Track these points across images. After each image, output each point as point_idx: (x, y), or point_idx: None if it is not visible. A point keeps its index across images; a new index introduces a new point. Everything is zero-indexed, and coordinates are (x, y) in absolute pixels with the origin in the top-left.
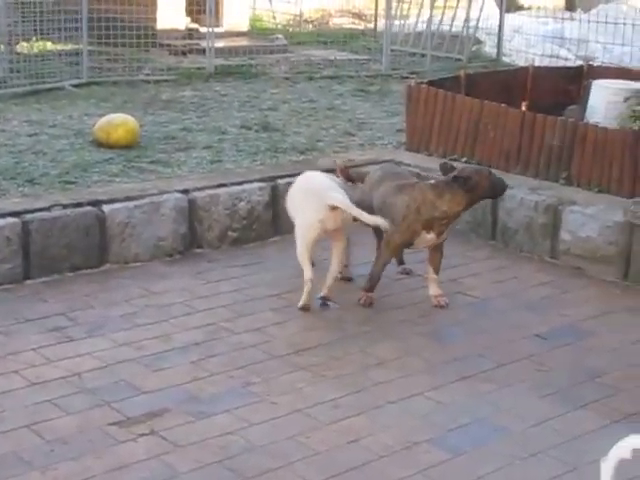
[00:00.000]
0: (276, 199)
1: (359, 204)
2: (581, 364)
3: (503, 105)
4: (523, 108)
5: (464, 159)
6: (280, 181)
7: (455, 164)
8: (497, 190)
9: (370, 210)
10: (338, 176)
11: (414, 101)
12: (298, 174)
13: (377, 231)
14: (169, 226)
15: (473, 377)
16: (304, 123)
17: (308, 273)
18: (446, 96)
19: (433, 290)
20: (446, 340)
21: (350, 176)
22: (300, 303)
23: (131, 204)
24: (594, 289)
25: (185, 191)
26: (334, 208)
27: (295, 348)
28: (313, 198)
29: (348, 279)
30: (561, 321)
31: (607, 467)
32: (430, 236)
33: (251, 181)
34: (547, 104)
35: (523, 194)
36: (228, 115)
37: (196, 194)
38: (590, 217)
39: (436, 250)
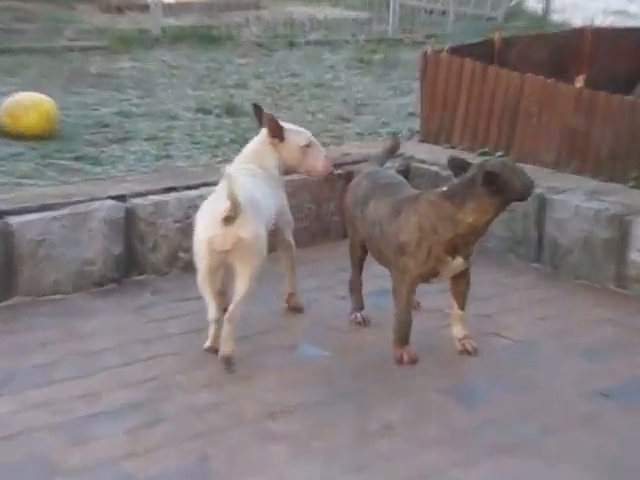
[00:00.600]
0: None
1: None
2: None
3: (551, 80)
4: (579, 84)
5: (499, 153)
6: None
7: (470, 157)
8: (525, 190)
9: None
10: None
11: (431, 75)
12: None
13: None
14: (99, 245)
15: (511, 450)
16: (283, 105)
17: (211, 311)
18: (475, 68)
19: (457, 331)
20: (474, 399)
21: None
22: (206, 344)
23: (48, 215)
24: None
25: (121, 197)
26: (227, 220)
27: (269, 410)
28: (202, 210)
29: (298, 309)
30: (631, 373)
31: None
32: (457, 261)
33: (211, 184)
34: (611, 78)
35: (578, 200)
36: (180, 94)
37: (136, 202)
38: None
39: (460, 278)
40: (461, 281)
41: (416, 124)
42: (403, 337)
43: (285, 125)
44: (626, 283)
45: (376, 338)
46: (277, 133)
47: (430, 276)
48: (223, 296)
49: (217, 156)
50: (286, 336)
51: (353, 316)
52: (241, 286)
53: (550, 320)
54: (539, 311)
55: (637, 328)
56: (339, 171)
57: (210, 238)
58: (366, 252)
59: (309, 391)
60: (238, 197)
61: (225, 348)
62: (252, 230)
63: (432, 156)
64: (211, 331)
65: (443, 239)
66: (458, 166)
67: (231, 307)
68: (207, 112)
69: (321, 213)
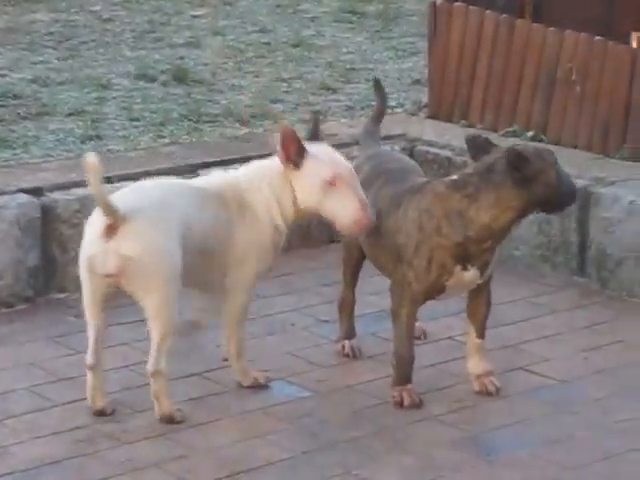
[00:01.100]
0: None
1: None
2: None
3: (599, 38)
4: (634, 43)
5: (530, 133)
6: (206, 172)
7: (493, 138)
8: (564, 194)
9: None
10: None
11: (442, 30)
12: (241, 160)
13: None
14: (8, 254)
15: None
16: (249, 70)
17: (88, 354)
18: (499, 22)
19: (475, 365)
20: (498, 453)
21: None
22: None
23: None
24: None
25: (37, 191)
26: (108, 233)
27: (230, 469)
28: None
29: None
30: None
31: None
32: (470, 273)
33: (155, 172)
34: None
35: (634, 196)
36: (114, 56)
37: (56, 196)
38: None
39: (477, 296)
40: (479, 300)
41: (423, 95)
42: (403, 375)
43: (310, 146)
44: None
45: (370, 375)
46: (292, 155)
47: (437, 292)
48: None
49: (163, 137)
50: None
51: (341, 346)
52: (151, 326)
53: (598, 352)
54: (583, 340)
55: None
56: None
57: (89, 258)
58: (364, 258)
59: (282, 444)
60: (107, 197)
61: (160, 408)
62: (143, 244)
63: (443, 137)
64: (88, 383)
65: (450, 242)
66: (479, 146)
67: (149, 359)
68: (150, 79)
69: None
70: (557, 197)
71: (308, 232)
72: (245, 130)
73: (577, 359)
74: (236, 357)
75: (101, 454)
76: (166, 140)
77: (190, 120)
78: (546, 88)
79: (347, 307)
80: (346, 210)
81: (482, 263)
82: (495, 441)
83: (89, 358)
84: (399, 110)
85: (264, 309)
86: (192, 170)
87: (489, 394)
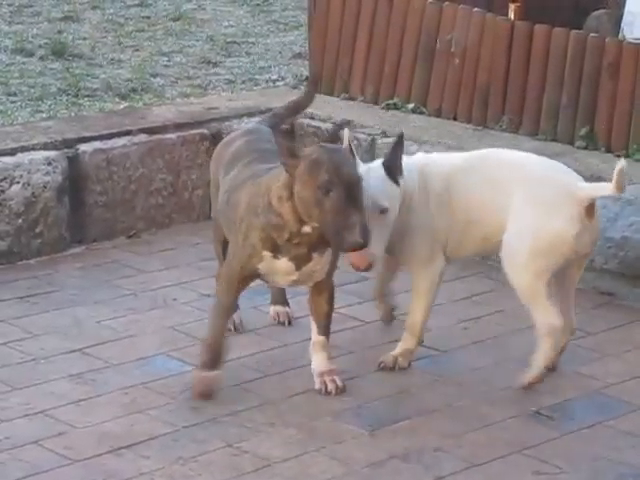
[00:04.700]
0: (77, 179)
1: None
2: (614, 461)
3: (477, 9)
4: (512, 15)
5: (411, 105)
6: (84, 147)
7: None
8: (330, 231)
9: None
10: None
11: (324, 4)
12: (119, 135)
13: None
14: None
15: None
16: (129, 44)
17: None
18: None
19: (318, 363)
20: (380, 424)
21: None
22: None
23: None
24: (636, 329)
25: None
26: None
27: (109, 445)
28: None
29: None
30: (578, 385)
31: None
32: (281, 263)
33: (32, 148)
34: (554, 8)
35: None
36: None
37: None
38: (629, 204)
39: (318, 294)
40: (319, 298)
41: (305, 69)
42: (208, 359)
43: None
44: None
45: (253, 349)
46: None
47: (250, 274)
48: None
49: (41, 111)
50: (135, 346)
51: None
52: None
53: (478, 322)
54: (463, 311)
55: (588, 330)
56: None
57: (575, 235)
58: None
59: (164, 418)
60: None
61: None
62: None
63: (324, 110)
64: None
65: (259, 224)
66: (332, 136)
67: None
68: (28, 54)
69: (179, 186)
70: (323, 227)
71: (188, 207)
72: (123, 104)
73: (457, 329)
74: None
75: None
76: (44, 115)
77: (69, 94)
78: (426, 60)
79: None
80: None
81: (296, 258)
82: (377, 412)
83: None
84: (280, 83)
85: (147, 284)
86: (70, 145)
87: (328, 393)
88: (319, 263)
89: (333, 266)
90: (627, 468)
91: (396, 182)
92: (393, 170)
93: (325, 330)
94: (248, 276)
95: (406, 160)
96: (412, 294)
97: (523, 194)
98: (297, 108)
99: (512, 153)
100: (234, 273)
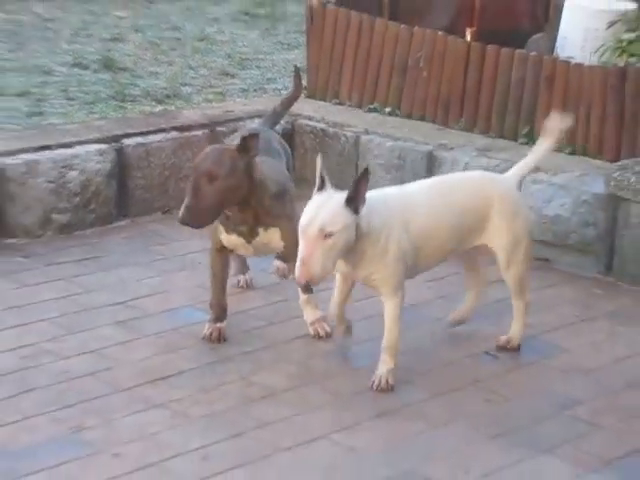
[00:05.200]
0: (123, 167)
1: None
2: (547, 391)
3: (441, 33)
4: (469, 37)
5: (388, 109)
6: (128, 141)
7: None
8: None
9: None
10: None
11: (318, 28)
12: (156, 132)
13: None
14: None
15: (396, 412)
16: (164, 60)
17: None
18: (362, 20)
19: (308, 314)
20: (359, 362)
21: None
22: None
23: None
24: (566, 288)
25: None
26: None
27: (147, 377)
28: None
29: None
30: (525, 333)
31: None
32: (233, 238)
33: (87, 142)
34: (503, 32)
35: (469, 157)
36: (54, 48)
37: (6, 161)
38: (560, 188)
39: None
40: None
41: (303, 80)
42: (215, 315)
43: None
44: None
45: (259, 302)
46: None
47: (221, 245)
48: None
49: (94, 113)
50: (168, 300)
51: (236, 280)
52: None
53: (438, 281)
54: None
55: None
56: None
57: None
58: None
59: (190, 356)
60: None
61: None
62: None
63: (319, 113)
64: None
65: None
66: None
67: None
68: (83, 67)
69: None
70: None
71: None
72: (159, 107)
73: (423, 285)
74: None
75: (43, 367)
76: (96, 116)
77: (116, 100)
78: (400, 73)
79: None
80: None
81: (242, 233)
82: (359, 353)
83: None
84: (284, 92)
85: (177, 250)
86: (117, 139)
87: (320, 338)
88: (267, 236)
89: (288, 236)
90: (559, 396)
91: (355, 211)
92: (353, 200)
93: (307, 290)
94: (220, 248)
95: (375, 193)
96: (386, 319)
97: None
98: (290, 101)
99: (453, 176)
100: (213, 246)
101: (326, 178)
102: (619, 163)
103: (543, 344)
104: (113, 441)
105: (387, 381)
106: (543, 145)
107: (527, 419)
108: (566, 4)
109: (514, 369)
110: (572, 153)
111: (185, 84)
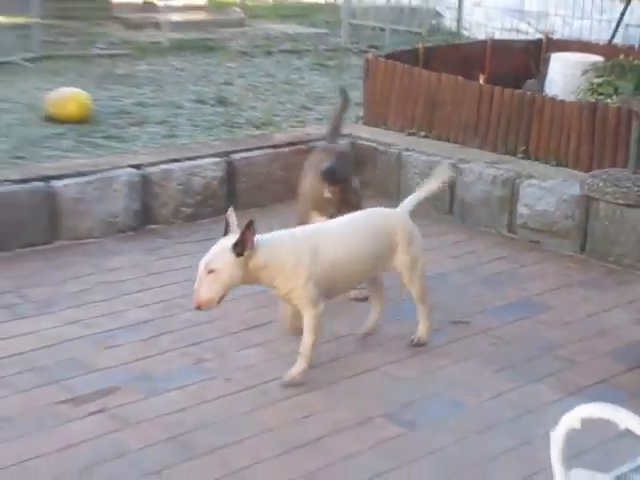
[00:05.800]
0: (231, 174)
1: None
2: (537, 338)
3: (461, 78)
4: (481, 80)
5: (422, 133)
6: (235, 156)
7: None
8: None
9: None
10: None
11: (372, 74)
12: (255, 149)
13: None
14: (122, 202)
15: (428, 352)
16: (260, 97)
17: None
18: (404, 69)
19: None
20: (401, 315)
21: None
22: None
23: (83, 179)
24: (551, 263)
25: (138, 166)
26: None
27: (249, 324)
28: None
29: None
30: (517, 295)
31: (557, 437)
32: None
33: (205, 156)
34: (506, 77)
35: (481, 168)
36: (183, 89)
37: (150, 169)
38: (547, 191)
39: None
40: None
41: (361, 112)
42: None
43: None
44: (515, 229)
45: None
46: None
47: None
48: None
49: (211, 135)
50: None
51: None
52: None
53: (459, 259)
54: (450, 250)
55: (523, 263)
56: None
57: None
58: None
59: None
60: None
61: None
62: None
63: (372, 136)
64: None
65: None
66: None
67: None
68: (204, 103)
69: (289, 179)
70: None
71: (295, 189)
72: (257, 132)
73: (447, 262)
74: None
75: (175, 317)
76: (212, 137)
77: (226, 126)
78: (430, 107)
79: None
80: None
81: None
82: (400, 308)
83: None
84: (348, 120)
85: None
86: (227, 154)
87: (358, 300)
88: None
89: None
90: (546, 341)
91: (239, 254)
92: (238, 245)
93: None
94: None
95: (284, 232)
96: (305, 329)
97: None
98: (340, 115)
99: (360, 214)
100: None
101: (232, 226)
102: (591, 173)
103: (533, 304)
104: (225, 370)
105: (294, 379)
106: (430, 185)
107: (522, 358)
108: (552, 57)
109: (513, 322)
110: (556, 165)
111: (276, 115)
